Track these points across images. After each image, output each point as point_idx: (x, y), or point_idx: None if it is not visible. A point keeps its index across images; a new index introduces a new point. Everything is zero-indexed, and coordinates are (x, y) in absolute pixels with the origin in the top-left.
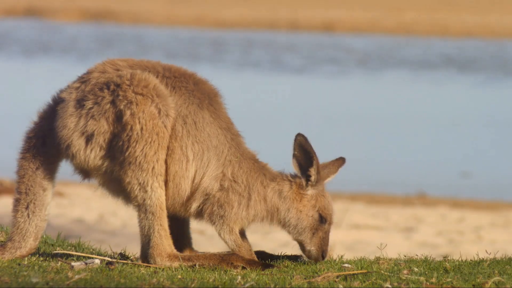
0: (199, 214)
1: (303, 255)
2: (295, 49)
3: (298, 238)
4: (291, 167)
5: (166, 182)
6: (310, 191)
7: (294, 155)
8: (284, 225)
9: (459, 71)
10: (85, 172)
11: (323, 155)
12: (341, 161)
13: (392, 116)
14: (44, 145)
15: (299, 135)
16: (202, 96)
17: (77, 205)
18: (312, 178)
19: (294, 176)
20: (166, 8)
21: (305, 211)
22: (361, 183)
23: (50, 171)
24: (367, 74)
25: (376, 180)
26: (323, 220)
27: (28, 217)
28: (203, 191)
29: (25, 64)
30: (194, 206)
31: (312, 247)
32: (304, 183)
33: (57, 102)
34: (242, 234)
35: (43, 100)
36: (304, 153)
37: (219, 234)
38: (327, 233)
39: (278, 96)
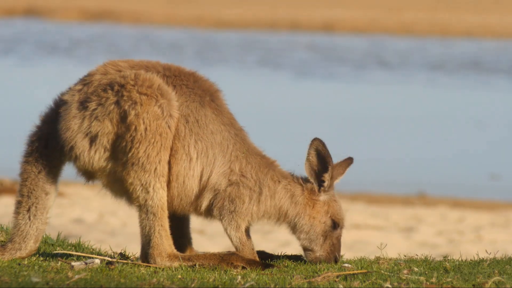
0: (210, 211)
1: (307, 260)
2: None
3: (309, 245)
4: (301, 171)
5: (169, 183)
6: (322, 197)
7: (308, 159)
8: (295, 230)
9: (479, 72)
10: (88, 174)
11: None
12: (349, 161)
13: (403, 116)
14: (47, 148)
15: (316, 139)
16: (203, 93)
17: (77, 205)
18: (326, 183)
19: (305, 181)
20: (166, 8)
21: (319, 217)
22: (361, 183)
23: (53, 175)
24: (378, 76)
25: (376, 180)
26: (335, 226)
27: (29, 219)
28: (212, 188)
29: (25, 64)
30: (204, 204)
31: (322, 253)
32: (316, 188)
33: (59, 105)
34: (247, 233)
35: (44, 100)
36: (319, 158)
37: (225, 229)
38: (338, 238)
39: (282, 97)
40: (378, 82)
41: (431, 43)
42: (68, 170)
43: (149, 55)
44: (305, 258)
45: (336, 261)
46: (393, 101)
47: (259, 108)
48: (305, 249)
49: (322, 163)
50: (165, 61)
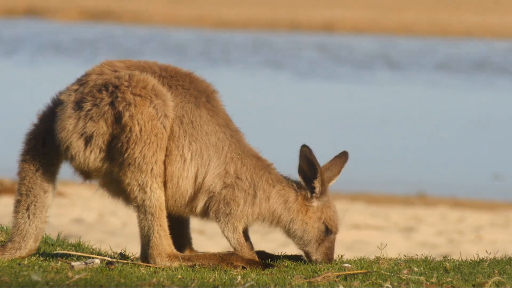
0: (205, 213)
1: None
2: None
3: (304, 249)
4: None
5: (164, 183)
6: (315, 203)
7: (299, 166)
8: (289, 235)
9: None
10: (85, 174)
11: (330, 155)
12: (344, 158)
13: (404, 116)
14: (44, 147)
15: (303, 146)
16: (199, 94)
17: (77, 205)
18: (317, 190)
19: (299, 187)
20: (166, 8)
21: (311, 223)
22: (361, 183)
23: (51, 173)
24: (382, 77)
25: (376, 180)
26: (328, 232)
27: (29, 218)
28: (207, 190)
29: (25, 64)
30: (200, 206)
31: (318, 256)
32: (309, 194)
33: (56, 104)
34: (245, 234)
35: (43, 100)
36: (308, 164)
37: (223, 232)
38: (332, 242)
39: (282, 97)
40: (379, 82)
41: (438, 44)
42: (68, 170)
43: (152, 56)
44: (305, 259)
45: (330, 262)
46: (394, 101)
47: (261, 109)
48: (302, 251)
49: (311, 170)
50: (170, 62)
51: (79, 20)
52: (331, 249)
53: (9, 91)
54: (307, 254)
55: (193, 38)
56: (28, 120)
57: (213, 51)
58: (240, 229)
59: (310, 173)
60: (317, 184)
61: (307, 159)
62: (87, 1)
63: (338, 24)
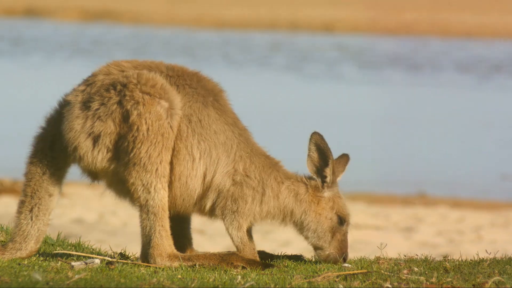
0: (213, 211)
1: (319, 259)
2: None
3: (317, 242)
4: (305, 170)
5: (171, 183)
6: (326, 193)
7: (309, 155)
8: (301, 229)
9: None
10: (93, 174)
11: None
12: (346, 158)
13: (405, 117)
14: (52, 150)
15: (315, 133)
16: (206, 93)
17: (77, 205)
18: (328, 179)
19: (309, 178)
20: (166, 8)
21: (324, 213)
22: (361, 183)
23: (57, 177)
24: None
25: (376, 180)
26: (342, 222)
27: (31, 220)
28: (216, 188)
29: (25, 64)
30: (209, 204)
31: (331, 250)
32: (320, 184)
33: (63, 106)
34: (249, 233)
35: (42, 100)
36: (319, 152)
37: (227, 229)
38: (345, 235)
39: (284, 98)
40: (383, 83)
41: (440, 44)
42: (69, 169)
43: (155, 56)
44: (317, 258)
45: (345, 260)
46: (399, 101)
47: (266, 110)
48: (315, 247)
49: (322, 158)
50: (175, 63)
51: (79, 20)
52: (344, 242)
53: (7, 91)
54: (319, 249)
55: (194, 38)
56: (27, 120)
57: (214, 52)
58: (245, 227)
59: (321, 161)
60: (328, 172)
61: (318, 146)
62: (87, 1)
63: (338, 24)
